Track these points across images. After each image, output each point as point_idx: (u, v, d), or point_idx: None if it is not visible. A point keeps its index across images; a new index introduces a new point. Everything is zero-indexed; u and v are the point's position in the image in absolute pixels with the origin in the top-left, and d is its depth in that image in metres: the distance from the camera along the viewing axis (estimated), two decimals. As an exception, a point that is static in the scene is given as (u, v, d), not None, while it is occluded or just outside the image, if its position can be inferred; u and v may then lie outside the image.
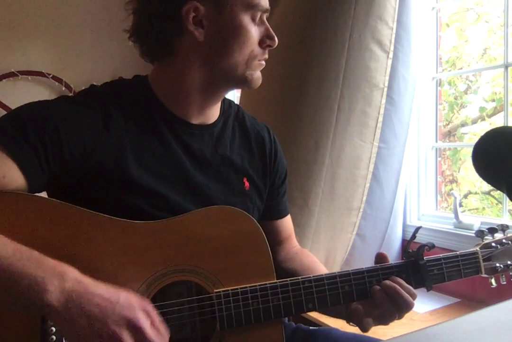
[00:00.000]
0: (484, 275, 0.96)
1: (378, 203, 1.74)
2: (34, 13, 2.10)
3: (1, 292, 0.66)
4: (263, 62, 0.92)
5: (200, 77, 0.89)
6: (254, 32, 0.88)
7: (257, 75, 0.91)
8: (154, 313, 0.71)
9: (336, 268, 1.75)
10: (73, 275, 0.68)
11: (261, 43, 0.89)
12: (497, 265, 0.96)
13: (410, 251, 0.91)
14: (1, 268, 0.65)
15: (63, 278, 0.66)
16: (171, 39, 0.87)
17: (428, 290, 0.90)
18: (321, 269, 1.03)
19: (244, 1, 0.86)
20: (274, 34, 0.90)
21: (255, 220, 0.87)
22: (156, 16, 0.86)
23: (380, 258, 0.91)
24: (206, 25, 0.86)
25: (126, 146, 0.84)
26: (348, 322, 0.92)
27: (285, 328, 0.87)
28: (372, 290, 0.87)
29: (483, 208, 1.80)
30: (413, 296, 0.86)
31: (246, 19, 0.86)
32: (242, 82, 0.91)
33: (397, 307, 0.85)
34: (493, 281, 0.96)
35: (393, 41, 1.57)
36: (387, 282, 0.87)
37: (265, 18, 0.90)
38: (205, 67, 0.89)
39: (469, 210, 2.12)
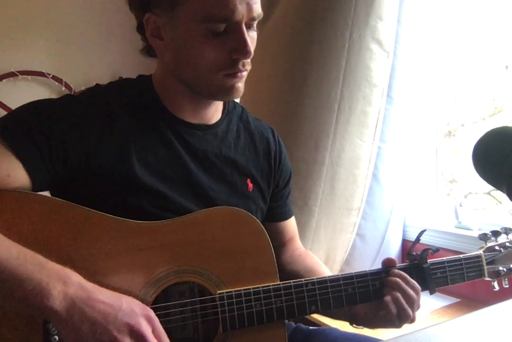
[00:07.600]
0: (487, 279, 0.96)
1: (378, 203, 1.74)
2: (34, 13, 2.10)
3: (6, 294, 0.66)
4: (239, 74, 0.84)
5: (178, 82, 0.88)
6: (210, 45, 0.80)
7: (227, 88, 0.84)
8: (156, 320, 0.72)
9: (336, 268, 1.75)
10: (76, 280, 0.69)
11: (230, 54, 0.81)
12: (500, 268, 0.96)
13: (414, 253, 0.91)
14: (6, 270, 0.65)
15: (66, 283, 0.67)
16: (148, 43, 0.88)
17: (431, 294, 0.91)
18: (324, 270, 1.03)
19: (197, 14, 0.79)
20: (246, 46, 0.80)
21: (258, 221, 0.87)
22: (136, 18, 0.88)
23: (388, 263, 0.90)
24: (164, 36, 0.84)
25: (130, 146, 0.84)
26: (351, 323, 0.92)
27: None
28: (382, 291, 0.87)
29: (483, 208, 1.80)
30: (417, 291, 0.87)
31: (199, 32, 0.80)
32: (209, 94, 0.87)
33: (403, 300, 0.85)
34: (495, 284, 0.97)
35: (393, 41, 1.57)
36: (392, 278, 0.87)
37: (243, 28, 0.80)
38: (175, 75, 0.88)
39: (469, 210, 2.11)
